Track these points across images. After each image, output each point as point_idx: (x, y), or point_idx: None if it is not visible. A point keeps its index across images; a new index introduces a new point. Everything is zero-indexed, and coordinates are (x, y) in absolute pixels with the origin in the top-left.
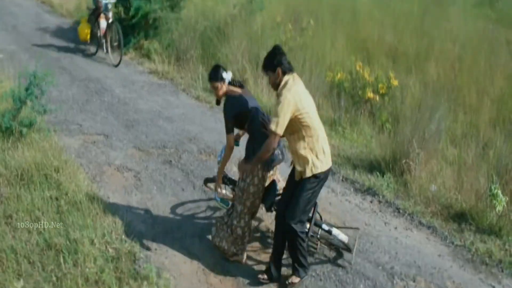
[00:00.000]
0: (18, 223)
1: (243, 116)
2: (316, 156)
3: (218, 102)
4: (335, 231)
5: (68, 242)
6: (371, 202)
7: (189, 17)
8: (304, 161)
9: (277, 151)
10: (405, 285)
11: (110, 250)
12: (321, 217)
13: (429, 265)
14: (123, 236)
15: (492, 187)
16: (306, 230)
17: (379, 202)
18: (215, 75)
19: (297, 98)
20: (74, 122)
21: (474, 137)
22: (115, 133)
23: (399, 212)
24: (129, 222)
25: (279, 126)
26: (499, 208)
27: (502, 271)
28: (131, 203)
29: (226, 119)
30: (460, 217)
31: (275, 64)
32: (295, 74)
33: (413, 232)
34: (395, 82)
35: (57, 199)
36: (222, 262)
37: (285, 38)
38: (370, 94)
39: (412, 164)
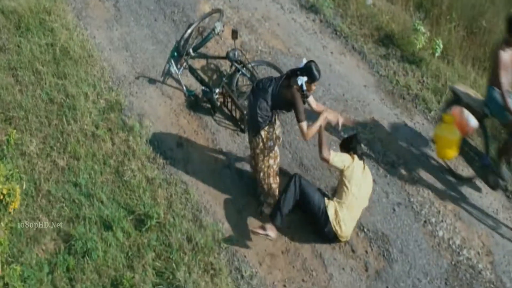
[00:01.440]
0: (23, 77)
1: None
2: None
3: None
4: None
5: (67, 99)
6: (313, 21)
7: None
8: None
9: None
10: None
11: (101, 101)
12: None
13: (355, 98)
14: (110, 84)
15: (416, 23)
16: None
17: (320, 21)
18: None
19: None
20: None
21: None
22: None
23: (336, 34)
24: (114, 66)
25: None
26: (419, 46)
27: (416, 107)
28: (113, 40)
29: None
30: (388, 41)
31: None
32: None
33: (346, 58)
34: None
35: (52, 45)
36: (189, 100)
37: None
38: None
39: None
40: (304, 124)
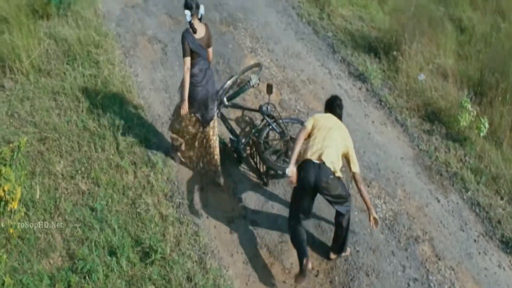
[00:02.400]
0: (63, 102)
1: None
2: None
3: None
4: None
5: (99, 128)
6: (359, 89)
7: None
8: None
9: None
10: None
11: (131, 135)
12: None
13: (389, 168)
14: (143, 121)
15: (463, 100)
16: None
17: (367, 90)
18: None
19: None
20: None
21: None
22: None
23: (380, 104)
24: (150, 105)
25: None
26: (463, 123)
27: (453, 185)
28: (155, 80)
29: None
30: (434, 117)
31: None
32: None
33: (387, 128)
34: None
35: (95, 77)
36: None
37: None
38: None
39: (407, 49)
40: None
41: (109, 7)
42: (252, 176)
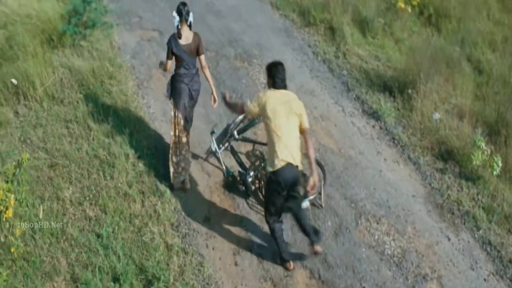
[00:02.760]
0: (75, 130)
1: None
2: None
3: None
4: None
5: (109, 156)
6: (373, 127)
7: None
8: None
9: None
10: (368, 226)
11: (140, 165)
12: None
13: (399, 206)
14: (153, 151)
15: (477, 139)
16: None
17: (380, 128)
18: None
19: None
20: (135, 14)
21: None
22: (168, 29)
23: (393, 142)
24: (161, 136)
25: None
26: (475, 162)
27: (464, 223)
28: (167, 112)
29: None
30: (448, 155)
31: (271, 74)
32: (281, 91)
33: (400, 166)
34: None
35: (107, 107)
36: (227, 180)
37: None
38: (401, 4)
39: (422, 88)
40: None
41: (125, 39)
42: (260, 209)
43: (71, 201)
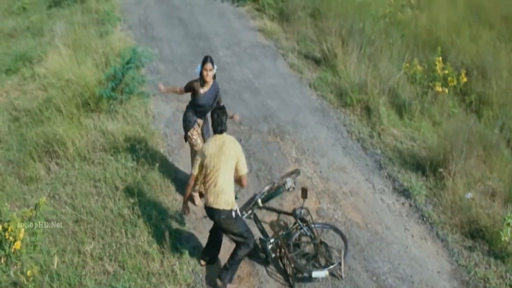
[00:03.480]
0: (102, 189)
1: None
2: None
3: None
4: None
5: (132, 216)
6: (402, 204)
7: None
8: None
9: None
10: None
11: (162, 226)
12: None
13: (423, 282)
14: (177, 215)
15: (507, 216)
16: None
17: (410, 205)
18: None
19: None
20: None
21: None
22: None
23: (423, 219)
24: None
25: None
26: (504, 238)
27: None
28: None
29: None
30: (477, 234)
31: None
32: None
33: (427, 243)
34: (464, 79)
35: (136, 170)
36: None
37: (385, 12)
38: (439, 88)
39: (454, 168)
40: None
41: (161, 109)
42: (279, 278)
43: (91, 255)
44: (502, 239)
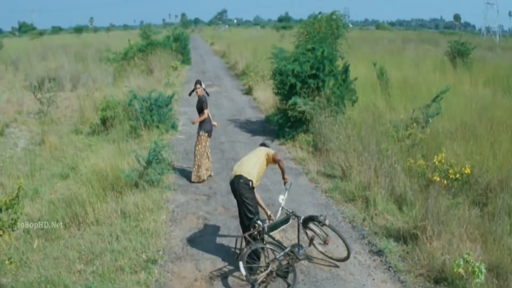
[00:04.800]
0: (107, 238)
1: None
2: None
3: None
4: None
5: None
6: (374, 260)
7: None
8: None
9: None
10: None
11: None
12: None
13: None
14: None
15: (466, 253)
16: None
17: (381, 261)
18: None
19: None
20: (201, 192)
21: None
22: (216, 197)
23: (389, 269)
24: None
25: None
26: (458, 270)
27: None
28: (183, 245)
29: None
30: (443, 281)
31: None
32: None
33: (386, 284)
34: (467, 170)
35: (136, 226)
36: None
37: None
38: (436, 178)
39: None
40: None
41: (176, 197)
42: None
43: None
44: (455, 270)
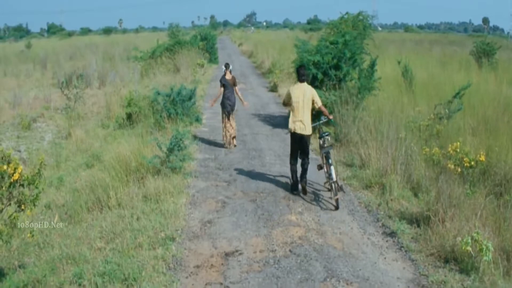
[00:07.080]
0: (128, 219)
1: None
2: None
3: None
4: None
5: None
6: (386, 241)
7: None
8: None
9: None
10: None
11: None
12: None
13: (378, 282)
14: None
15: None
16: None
17: (393, 242)
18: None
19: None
20: (222, 179)
21: None
22: (237, 191)
23: (401, 249)
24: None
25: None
26: (466, 248)
27: None
28: (204, 223)
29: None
30: (453, 260)
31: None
32: (303, 84)
33: (397, 262)
34: (482, 158)
35: (157, 208)
36: None
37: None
38: (451, 165)
39: (448, 220)
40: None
41: (197, 183)
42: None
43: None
44: (463, 247)
